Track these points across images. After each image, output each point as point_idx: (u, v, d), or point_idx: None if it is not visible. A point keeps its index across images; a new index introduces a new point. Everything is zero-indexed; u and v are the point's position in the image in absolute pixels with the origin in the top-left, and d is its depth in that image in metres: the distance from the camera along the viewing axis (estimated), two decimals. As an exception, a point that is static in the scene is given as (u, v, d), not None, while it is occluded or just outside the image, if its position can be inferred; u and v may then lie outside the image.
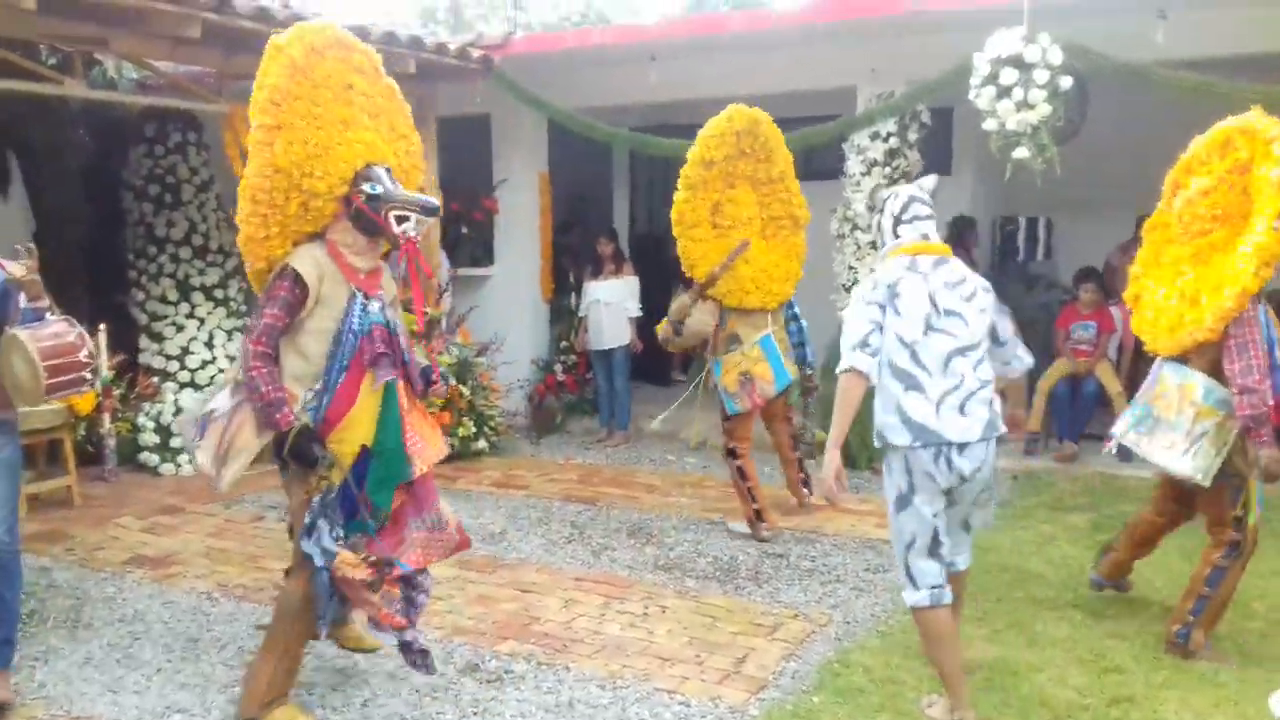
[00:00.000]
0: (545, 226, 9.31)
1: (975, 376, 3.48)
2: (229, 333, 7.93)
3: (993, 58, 6.06)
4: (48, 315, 3.77)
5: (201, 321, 7.85)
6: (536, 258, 9.28)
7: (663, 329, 6.17)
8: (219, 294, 7.97)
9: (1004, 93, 6.05)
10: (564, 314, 9.13)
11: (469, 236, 9.19)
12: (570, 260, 9.49)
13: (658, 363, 9.90)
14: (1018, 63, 5.98)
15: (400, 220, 3.59)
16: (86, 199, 8.49)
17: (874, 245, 7.53)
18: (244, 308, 8.11)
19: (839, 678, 4.00)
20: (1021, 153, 6.08)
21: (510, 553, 5.67)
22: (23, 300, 3.71)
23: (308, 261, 3.59)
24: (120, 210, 8.01)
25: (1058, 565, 5.12)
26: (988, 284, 3.66)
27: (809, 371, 6.31)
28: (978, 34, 6.14)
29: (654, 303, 9.08)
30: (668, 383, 10.00)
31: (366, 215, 3.60)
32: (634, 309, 8.38)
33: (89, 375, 3.76)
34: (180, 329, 7.77)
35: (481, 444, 7.70)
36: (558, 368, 8.93)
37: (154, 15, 5.67)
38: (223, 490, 3.65)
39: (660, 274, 10.06)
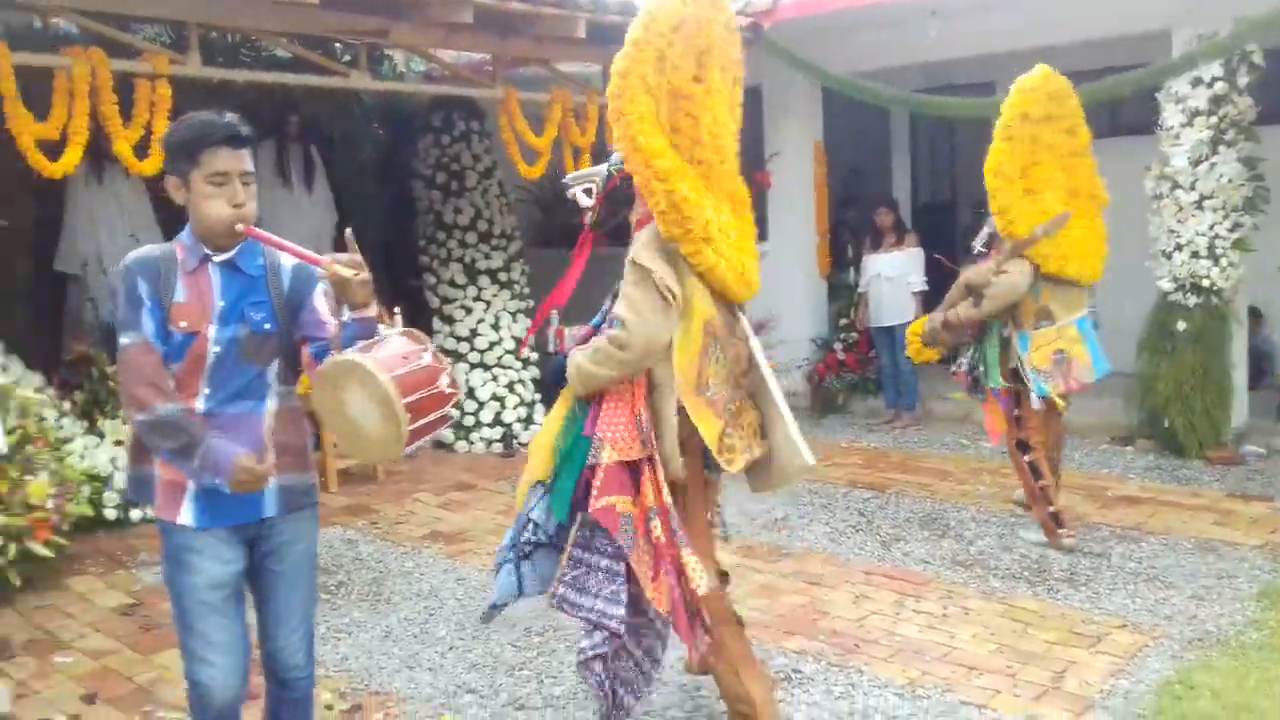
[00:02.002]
0: (821, 199, 8.96)
1: None
2: (513, 314, 8.13)
3: None
4: (381, 328, 2.63)
5: (488, 304, 8.08)
6: (812, 232, 8.94)
7: (926, 326, 5.37)
8: (503, 277, 8.18)
9: (1365, 21, 5.17)
10: (843, 290, 8.77)
11: (742, 212, 8.98)
12: (850, 234, 9.09)
13: (945, 340, 9.33)
14: None
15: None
16: (381, 188, 8.97)
17: (1199, 205, 6.68)
18: (526, 290, 8.29)
19: (1181, 701, 3.48)
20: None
21: (794, 541, 5.42)
22: (345, 311, 2.59)
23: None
24: (411, 198, 8.38)
25: None
26: None
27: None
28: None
29: (939, 276, 8.54)
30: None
31: None
32: (918, 283, 7.89)
33: (453, 411, 2.65)
34: (469, 311, 8.04)
35: (759, 425, 7.50)
36: (838, 346, 8.57)
37: (427, 2, 5.84)
38: None
39: (946, 246, 9.45)
